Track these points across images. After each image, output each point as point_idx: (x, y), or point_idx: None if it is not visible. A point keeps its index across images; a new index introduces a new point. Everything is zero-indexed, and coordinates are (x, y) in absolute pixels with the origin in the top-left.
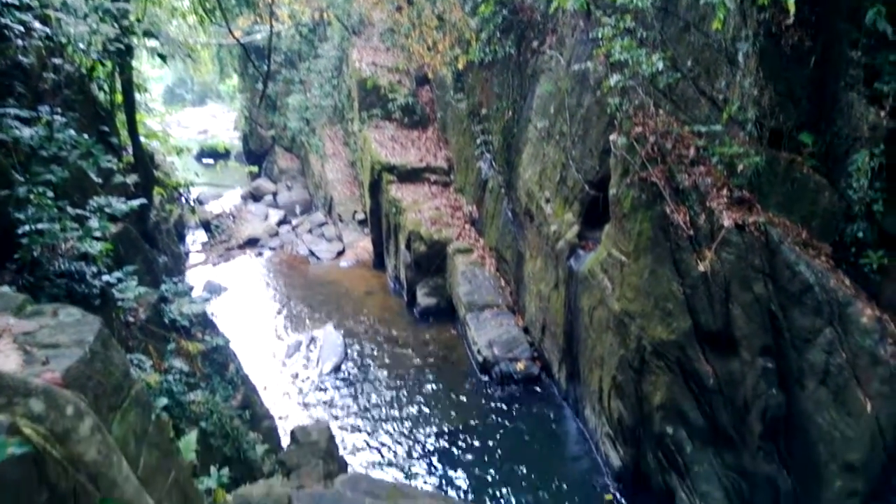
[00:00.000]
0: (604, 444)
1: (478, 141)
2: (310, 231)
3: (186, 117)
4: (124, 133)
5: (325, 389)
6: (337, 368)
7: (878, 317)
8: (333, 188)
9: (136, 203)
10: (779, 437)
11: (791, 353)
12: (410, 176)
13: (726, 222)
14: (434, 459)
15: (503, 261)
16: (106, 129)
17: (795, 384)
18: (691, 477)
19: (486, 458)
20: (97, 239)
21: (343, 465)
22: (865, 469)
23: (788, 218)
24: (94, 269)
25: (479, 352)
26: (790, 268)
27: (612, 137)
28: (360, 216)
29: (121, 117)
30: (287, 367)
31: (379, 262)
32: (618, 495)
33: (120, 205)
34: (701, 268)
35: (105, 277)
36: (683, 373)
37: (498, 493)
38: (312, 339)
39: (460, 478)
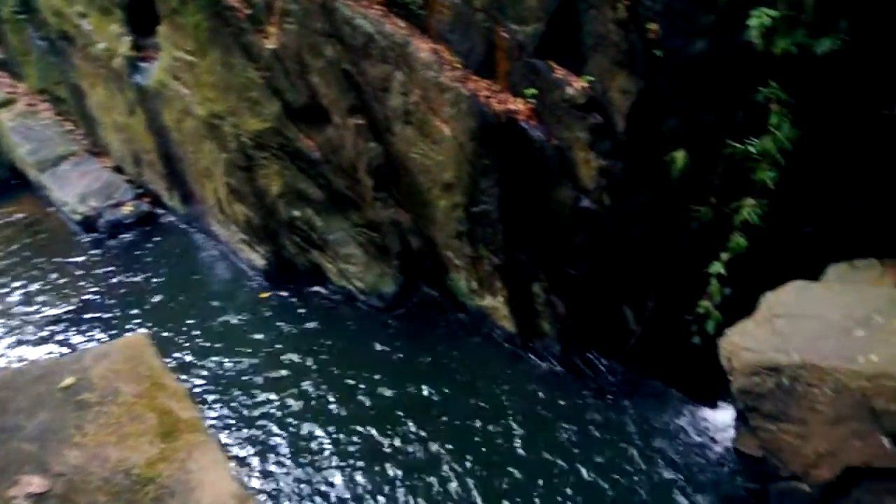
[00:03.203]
0: (242, 251)
1: None
2: None
3: None
4: None
5: None
6: None
7: (433, 49)
8: None
9: None
10: (388, 183)
11: (375, 105)
12: None
13: None
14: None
15: (59, 101)
16: None
17: (386, 132)
18: (329, 246)
19: (132, 312)
20: None
21: None
22: (459, 183)
23: None
24: None
25: (73, 211)
26: (349, 23)
27: None
28: None
29: None
30: None
31: None
32: (271, 289)
33: None
34: (269, 45)
35: None
36: (289, 155)
37: (154, 327)
38: None
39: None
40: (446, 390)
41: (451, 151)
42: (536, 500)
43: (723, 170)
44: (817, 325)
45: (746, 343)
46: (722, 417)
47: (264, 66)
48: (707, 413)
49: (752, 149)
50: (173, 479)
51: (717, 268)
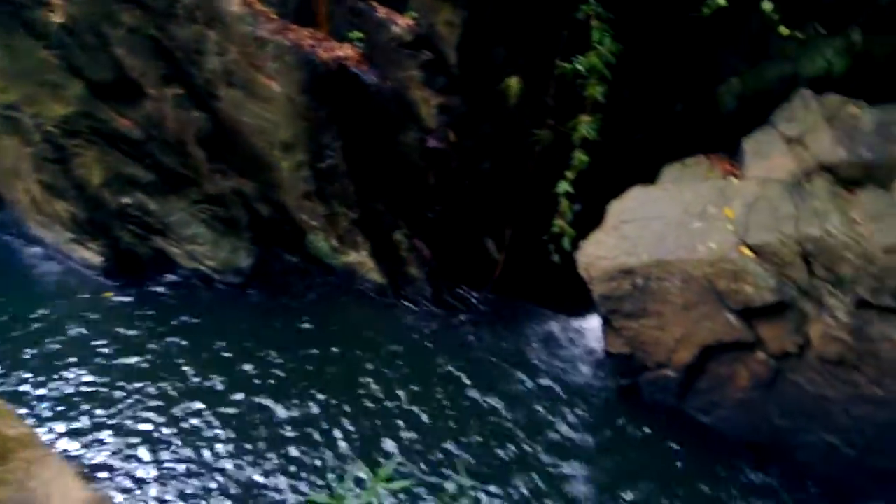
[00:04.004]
0: (74, 251)
1: None
2: None
3: None
4: None
5: None
6: None
7: (244, 1)
8: None
9: None
10: (223, 151)
11: (191, 71)
12: None
13: None
14: None
15: None
16: None
17: (210, 98)
18: (171, 229)
19: None
20: None
21: None
22: (298, 141)
23: None
24: None
25: None
26: None
27: None
28: None
29: None
30: None
31: None
32: (114, 286)
33: None
34: (56, 19)
35: None
36: (106, 139)
37: None
38: None
39: None
40: (326, 351)
41: (283, 108)
42: (428, 423)
43: (556, 91)
44: (660, 225)
45: (600, 252)
46: (590, 325)
47: (55, 43)
48: (576, 324)
49: (579, 66)
50: (15, 501)
51: (564, 186)
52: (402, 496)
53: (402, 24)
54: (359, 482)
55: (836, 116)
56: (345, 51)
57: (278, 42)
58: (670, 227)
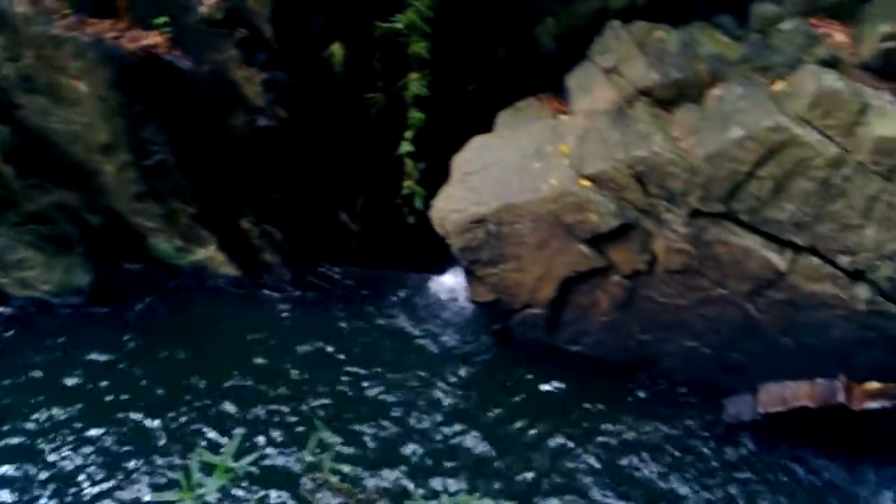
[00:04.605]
0: None
1: None
2: None
3: None
4: None
5: None
6: None
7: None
8: None
9: None
10: (36, 163)
11: None
12: None
13: None
14: None
15: None
16: None
17: (10, 108)
18: None
19: None
20: None
21: None
22: (118, 141)
23: None
24: None
25: None
26: None
27: None
28: None
29: None
30: None
31: None
32: None
33: None
34: None
35: None
36: None
37: None
38: None
39: None
40: (185, 355)
41: (94, 109)
42: (309, 404)
43: (382, 53)
44: (502, 170)
45: (451, 206)
46: (455, 279)
47: None
48: (441, 280)
49: (399, 24)
50: None
51: (406, 147)
52: (258, 470)
53: (208, 2)
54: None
55: (645, 43)
56: (152, 38)
57: (76, 38)
58: (512, 171)
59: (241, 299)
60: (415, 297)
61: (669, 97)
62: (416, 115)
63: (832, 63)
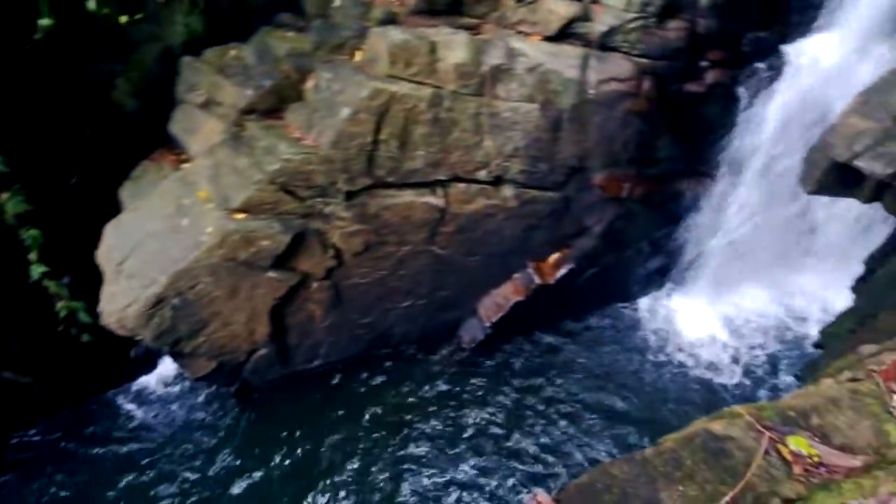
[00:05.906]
0: None
1: None
2: None
3: None
4: None
5: None
6: None
7: None
8: None
9: None
10: None
11: None
12: None
13: None
14: None
15: None
16: None
17: None
18: None
19: None
20: None
21: None
22: None
23: None
24: None
25: None
26: None
27: None
28: None
29: None
30: None
31: None
32: None
33: None
34: None
35: None
36: None
37: None
38: None
39: None
40: None
41: None
42: None
43: None
44: (154, 243)
45: (120, 303)
46: (165, 373)
47: None
48: (150, 379)
49: None
50: None
51: (38, 269)
52: None
53: None
54: None
55: (225, 65)
56: None
57: None
58: (164, 239)
59: None
60: (126, 415)
61: (272, 105)
62: (30, 233)
63: (390, 19)
